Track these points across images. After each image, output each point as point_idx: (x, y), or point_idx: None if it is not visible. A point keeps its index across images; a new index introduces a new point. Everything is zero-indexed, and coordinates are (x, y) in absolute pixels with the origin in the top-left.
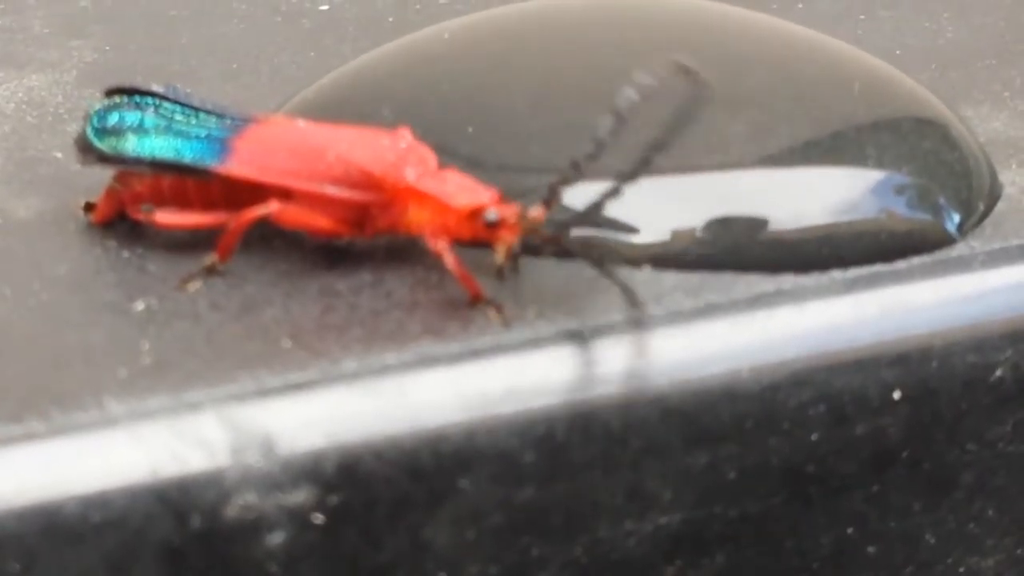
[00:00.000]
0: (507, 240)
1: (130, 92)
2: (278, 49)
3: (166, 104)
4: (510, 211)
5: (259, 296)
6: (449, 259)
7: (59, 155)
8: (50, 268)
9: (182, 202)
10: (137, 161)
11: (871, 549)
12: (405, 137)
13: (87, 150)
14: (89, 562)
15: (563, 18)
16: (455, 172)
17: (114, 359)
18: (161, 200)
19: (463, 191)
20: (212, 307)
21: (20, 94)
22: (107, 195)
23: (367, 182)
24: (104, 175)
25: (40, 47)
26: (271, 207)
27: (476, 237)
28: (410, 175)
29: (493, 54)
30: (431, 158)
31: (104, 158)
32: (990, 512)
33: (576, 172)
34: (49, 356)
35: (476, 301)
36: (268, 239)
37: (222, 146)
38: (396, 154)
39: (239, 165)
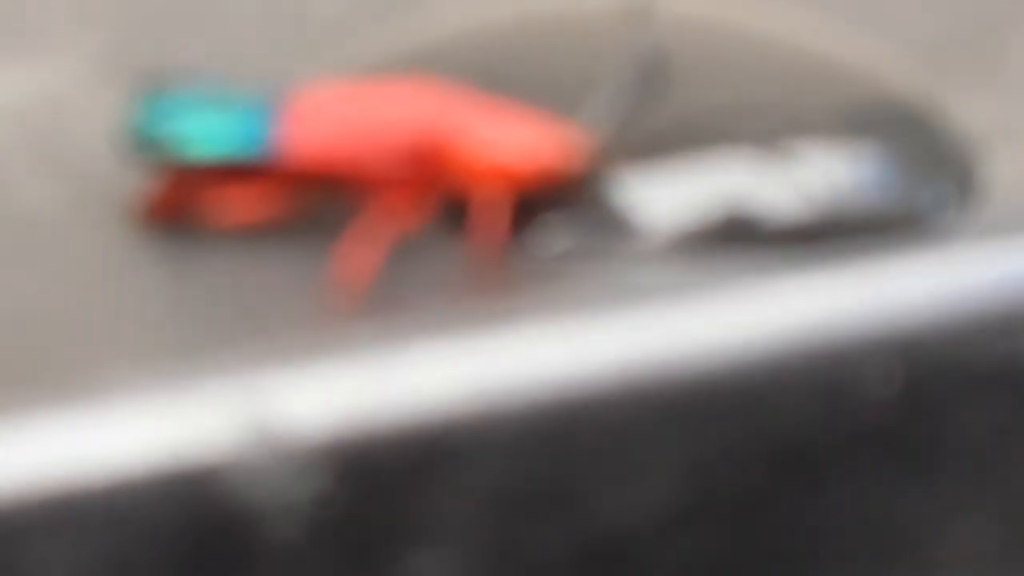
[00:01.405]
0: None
1: (162, 85)
2: (290, 44)
3: (203, 94)
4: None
5: (274, 283)
6: (500, 221)
7: (73, 145)
8: (69, 254)
9: (237, 188)
10: (194, 162)
11: (861, 533)
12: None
13: (138, 153)
14: (101, 544)
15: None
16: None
17: (124, 332)
18: (215, 188)
19: (529, 149)
20: (228, 294)
21: (35, 86)
22: (159, 193)
23: (424, 159)
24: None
25: (54, 39)
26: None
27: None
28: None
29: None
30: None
31: (158, 161)
32: (984, 498)
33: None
34: (61, 328)
35: (492, 265)
36: (286, 227)
37: (267, 135)
38: (438, 125)
39: (290, 154)
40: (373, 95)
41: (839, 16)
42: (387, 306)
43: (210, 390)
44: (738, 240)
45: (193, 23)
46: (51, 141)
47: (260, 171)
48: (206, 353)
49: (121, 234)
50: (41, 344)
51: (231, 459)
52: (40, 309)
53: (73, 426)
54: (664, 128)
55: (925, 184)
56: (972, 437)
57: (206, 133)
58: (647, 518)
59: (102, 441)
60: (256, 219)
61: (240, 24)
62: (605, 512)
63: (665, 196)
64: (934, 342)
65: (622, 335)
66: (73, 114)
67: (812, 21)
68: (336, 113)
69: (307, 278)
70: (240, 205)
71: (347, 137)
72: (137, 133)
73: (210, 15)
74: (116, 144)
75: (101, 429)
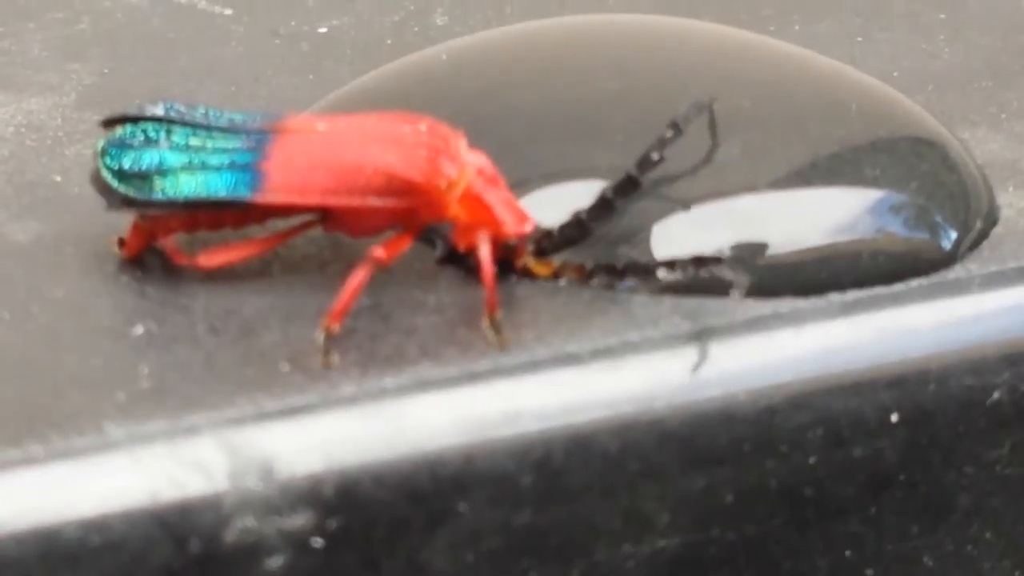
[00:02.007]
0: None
1: (132, 120)
2: (276, 72)
3: (176, 128)
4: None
5: (257, 320)
6: (488, 266)
7: (58, 179)
8: (49, 292)
9: (216, 225)
10: (170, 204)
11: (869, 572)
12: (427, 125)
13: (110, 194)
14: None
15: (559, 39)
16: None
17: (113, 383)
18: (194, 226)
19: (510, 212)
20: (210, 331)
21: (19, 117)
22: (134, 230)
23: (412, 190)
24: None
25: (39, 70)
26: (377, 256)
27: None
28: (457, 186)
29: (491, 75)
30: (455, 140)
31: (130, 202)
32: (988, 535)
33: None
34: (48, 380)
35: (490, 315)
36: (266, 263)
37: (253, 172)
38: (430, 152)
39: (278, 192)
40: (356, 130)
41: (851, 47)
42: (372, 333)
43: (193, 429)
44: (744, 269)
45: (178, 57)
46: (32, 170)
47: (241, 209)
48: (189, 392)
49: (100, 268)
50: (14, 379)
51: (214, 498)
52: (12, 344)
53: (51, 469)
54: (672, 150)
55: (936, 216)
56: (982, 475)
57: (186, 172)
58: (647, 566)
59: (85, 482)
60: (237, 259)
61: (227, 57)
62: (603, 563)
63: (673, 224)
64: (943, 378)
65: (622, 375)
66: (55, 144)
67: (823, 51)
68: (319, 150)
69: (290, 311)
70: (220, 247)
71: (330, 176)
72: (114, 170)
73: (195, 48)
74: (94, 179)
75: (82, 470)
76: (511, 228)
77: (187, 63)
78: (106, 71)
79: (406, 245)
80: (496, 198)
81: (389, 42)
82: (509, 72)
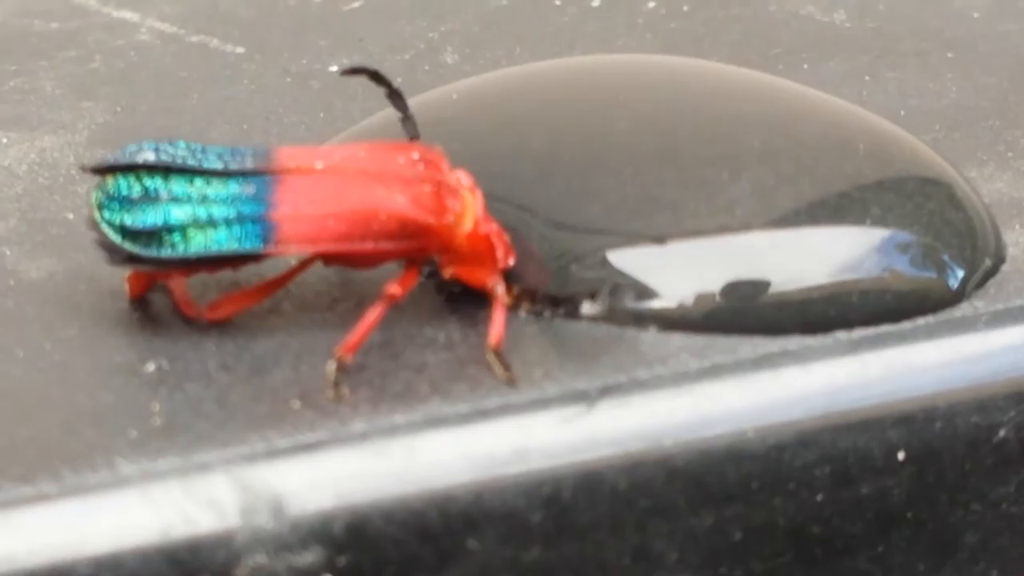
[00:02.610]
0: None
1: (123, 169)
2: (287, 110)
3: (172, 176)
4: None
5: (269, 357)
6: (502, 304)
7: (71, 216)
8: (62, 329)
9: (217, 270)
10: (180, 261)
11: None
12: (419, 152)
13: (114, 251)
14: None
15: (569, 79)
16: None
17: (125, 420)
18: (195, 272)
19: (502, 245)
20: (222, 368)
21: (32, 155)
22: (134, 276)
23: (424, 232)
24: None
25: (52, 108)
26: (392, 292)
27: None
28: (466, 224)
29: (501, 114)
30: (444, 164)
31: (137, 260)
32: (994, 572)
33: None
34: (60, 417)
35: (496, 352)
36: (277, 301)
37: (264, 223)
38: (433, 186)
39: (291, 243)
40: (355, 167)
41: (860, 86)
42: (383, 370)
43: (205, 466)
44: (749, 310)
45: (190, 96)
46: (45, 208)
47: (248, 257)
48: (201, 429)
49: (112, 305)
50: (28, 416)
51: (226, 535)
52: (26, 381)
53: (64, 506)
54: (682, 189)
55: (943, 255)
56: (988, 512)
57: (195, 228)
58: None
59: (97, 519)
60: (242, 309)
61: (238, 95)
62: None
63: (681, 264)
64: (950, 416)
65: (631, 412)
66: (68, 182)
67: (831, 91)
68: (326, 195)
69: (302, 349)
70: (225, 298)
71: (343, 223)
72: (115, 226)
73: (207, 87)
74: (92, 230)
75: (95, 507)
76: (503, 263)
77: (199, 101)
78: (118, 109)
79: (416, 278)
80: (491, 230)
81: (400, 80)
82: (519, 111)
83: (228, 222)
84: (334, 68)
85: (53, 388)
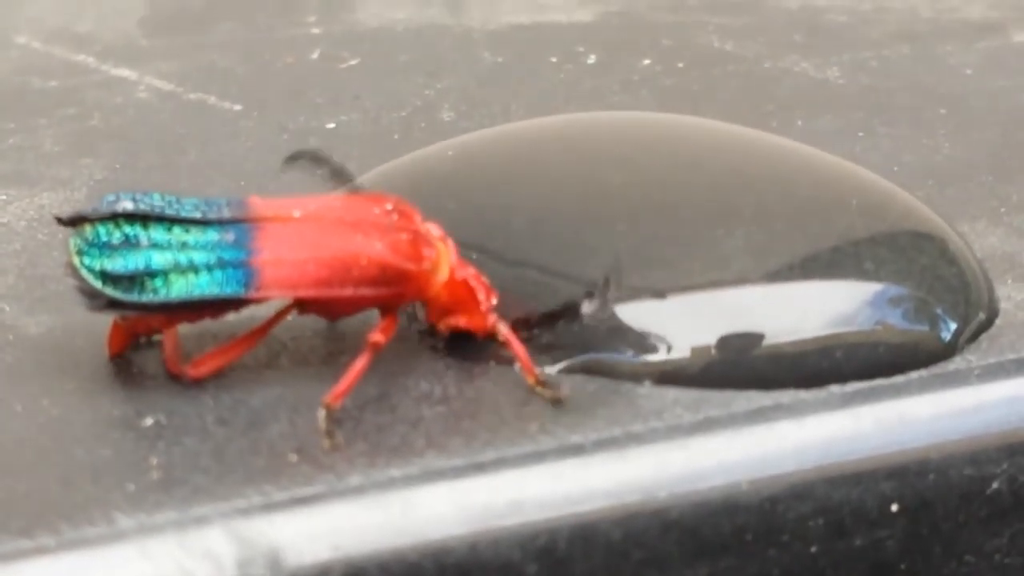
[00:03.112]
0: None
1: (91, 220)
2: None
3: (151, 224)
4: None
5: (265, 411)
6: (510, 337)
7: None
8: (60, 384)
9: (197, 319)
10: (162, 306)
11: None
12: (392, 203)
13: (94, 297)
14: None
15: (564, 136)
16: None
17: (122, 474)
18: (175, 323)
19: (482, 288)
20: (219, 422)
21: (31, 212)
22: (115, 330)
23: (404, 279)
24: None
25: (51, 165)
26: (376, 340)
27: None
28: (442, 272)
29: (496, 170)
30: (417, 217)
31: (118, 305)
32: None
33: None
34: (58, 471)
35: (534, 376)
36: (274, 355)
37: (245, 269)
38: (409, 235)
39: (272, 288)
40: (332, 217)
41: (853, 143)
42: (379, 424)
43: (202, 519)
44: (742, 364)
45: (188, 152)
46: (44, 264)
47: (229, 303)
48: (198, 482)
49: (108, 362)
50: (26, 471)
51: None
52: (24, 436)
53: (62, 559)
54: (676, 244)
55: (936, 309)
56: (982, 564)
57: (176, 273)
58: None
59: (95, 572)
60: (224, 365)
61: (236, 152)
62: None
63: (676, 319)
64: (943, 468)
65: (625, 466)
66: (67, 238)
67: (824, 147)
68: (305, 241)
69: (298, 402)
70: (207, 356)
71: (324, 268)
72: (95, 272)
73: (205, 144)
74: (72, 277)
75: (93, 560)
76: (487, 304)
77: (197, 158)
78: (117, 166)
79: (395, 326)
80: (469, 274)
81: (396, 137)
82: (515, 167)
83: (209, 267)
84: (331, 125)
85: (51, 442)
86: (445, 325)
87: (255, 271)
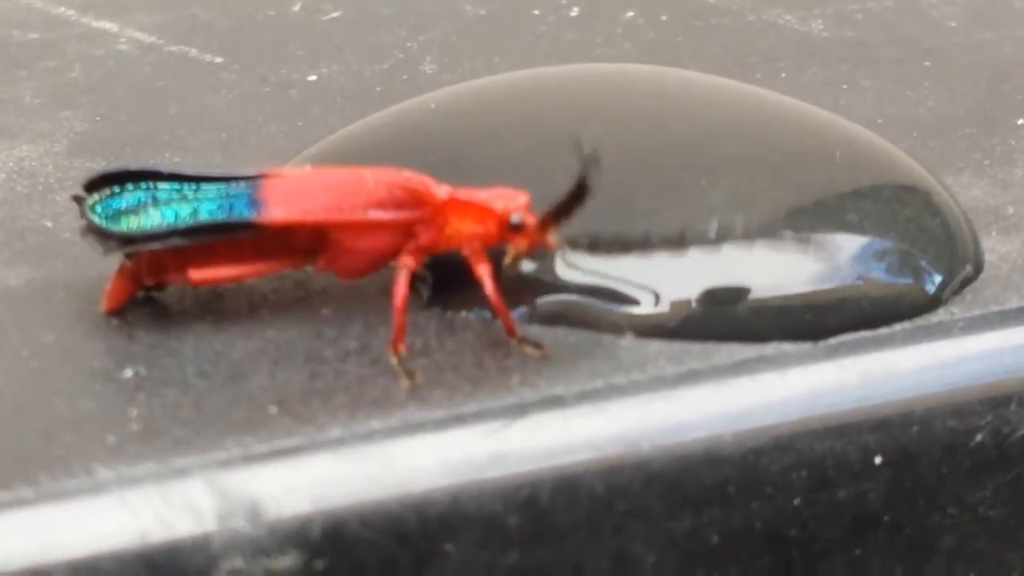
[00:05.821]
0: (521, 246)
1: (118, 179)
2: (266, 119)
3: (162, 184)
4: (533, 219)
5: (246, 363)
6: (489, 288)
7: (49, 224)
8: (40, 336)
9: (207, 262)
10: (169, 233)
11: None
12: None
13: (106, 237)
14: None
15: (547, 88)
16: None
17: (102, 426)
18: (184, 264)
19: (499, 197)
20: (199, 374)
21: (11, 164)
22: (119, 275)
23: (412, 200)
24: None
25: (31, 118)
26: (406, 262)
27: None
28: (444, 190)
29: (479, 123)
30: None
31: (128, 239)
32: (972, 571)
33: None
34: (38, 422)
35: (511, 336)
36: (255, 307)
37: (252, 198)
38: (417, 175)
39: (280, 211)
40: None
41: (837, 95)
42: (360, 375)
43: (182, 471)
44: (725, 317)
45: (168, 105)
46: (24, 216)
47: (242, 232)
48: (178, 434)
49: (90, 312)
50: (5, 423)
51: (203, 540)
52: (3, 388)
53: (41, 511)
54: (659, 196)
55: (920, 261)
56: (965, 517)
57: (183, 202)
58: None
59: (75, 524)
60: (227, 278)
61: (217, 104)
62: None
63: (658, 271)
64: (927, 421)
65: (608, 418)
66: (47, 190)
67: (808, 99)
68: (313, 179)
69: (279, 355)
70: (212, 264)
71: (331, 193)
72: (108, 215)
73: (186, 96)
74: (86, 231)
75: (72, 512)
76: (508, 204)
77: (178, 110)
78: (97, 119)
79: (420, 257)
80: (481, 193)
81: (378, 90)
82: (497, 120)
83: (217, 198)
84: (313, 77)
85: (31, 394)
86: (470, 249)
87: (262, 200)
